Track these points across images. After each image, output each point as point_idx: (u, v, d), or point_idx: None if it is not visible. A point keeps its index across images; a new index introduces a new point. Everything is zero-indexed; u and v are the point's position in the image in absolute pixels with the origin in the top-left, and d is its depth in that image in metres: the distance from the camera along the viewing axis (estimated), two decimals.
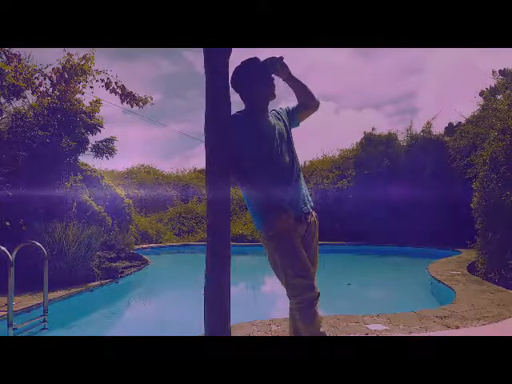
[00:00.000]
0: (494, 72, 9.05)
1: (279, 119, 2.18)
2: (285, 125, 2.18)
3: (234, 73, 2.06)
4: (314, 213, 2.19)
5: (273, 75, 2.11)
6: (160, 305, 5.76)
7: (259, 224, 2.09)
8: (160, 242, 12.00)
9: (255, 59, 2.09)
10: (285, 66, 2.09)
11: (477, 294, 4.49)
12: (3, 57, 5.45)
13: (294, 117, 2.24)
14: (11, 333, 3.35)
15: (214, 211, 1.87)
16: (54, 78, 5.73)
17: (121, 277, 6.29)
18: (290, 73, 2.12)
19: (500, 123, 5.52)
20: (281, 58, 2.07)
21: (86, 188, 6.96)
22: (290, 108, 2.25)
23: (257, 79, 2.06)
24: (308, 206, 2.13)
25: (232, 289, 1.87)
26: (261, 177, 2.02)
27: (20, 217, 5.61)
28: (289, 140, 2.16)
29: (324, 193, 12.19)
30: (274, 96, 2.13)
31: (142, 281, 7.10)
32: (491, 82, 9.27)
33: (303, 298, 2.00)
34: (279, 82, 2.12)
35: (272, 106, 2.20)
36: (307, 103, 2.21)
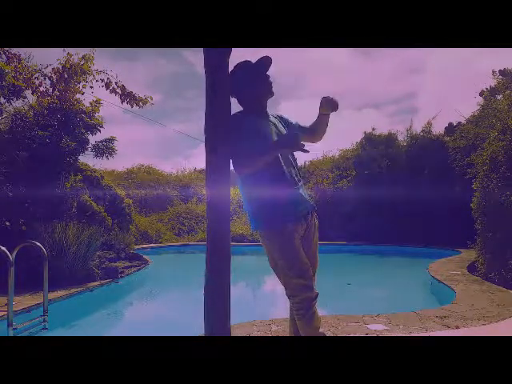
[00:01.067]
0: (493, 72, 9.07)
1: (283, 125, 2.21)
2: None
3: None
4: (314, 213, 2.19)
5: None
6: (160, 305, 5.76)
7: (258, 224, 2.09)
8: (160, 242, 12.00)
9: (246, 62, 2.10)
10: (335, 109, 2.16)
11: (477, 293, 4.49)
12: (3, 57, 5.44)
13: None
14: (11, 333, 3.35)
15: (214, 211, 1.87)
16: (54, 78, 5.73)
17: (121, 277, 6.29)
18: (328, 116, 2.24)
19: (500, 123, 5.52)
20: (336, 105, 2.13)
21: (86, 188, 6.96)
22: (300, 126, 2.31)
23: (252, 82, 2.07)
24: (308, 206, 2.13)
25: (232, 289, 1.87)
26: (261, 177, 2.02)
27: (20, 217, 5.61)
28: None
29: (324, 193, 12.19)
30: (272, 93, 2.13)
31: (142, 281, 7.10)
32: (491, 82, 9.29)
33: (301, 298, 2.00)
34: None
35: (272, 104, 2.21)
36: (314, 137, 2.32)
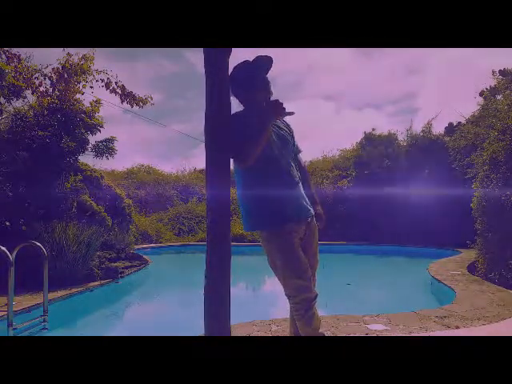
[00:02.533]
0: (493, 72, 9.04)
1: (287, 127, 2.21)
2: (290, 135, 2.22)
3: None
4: (314, 214, 2.19)
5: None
6: (160, 305, 5.76)
7: (258, 224, 2.09)
8: (160, 242, 11.99)
9: (245, 63, 2.10)
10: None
11: (477, 293, 4.49)
12: (3, 57, 5.44)
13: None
14: (11, 333, 3.35)
15: (214, 211, 1.87)
16: (54, 78, 5.72)
17: (121, 277, 6.29)
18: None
19: (500, 123, 5.52)
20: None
21: (86, 188, 6.96)
22: (298, 150, 2.34)
23: (250, 82, 2.07)
24: (308, 207, 2.14)
25: (232, 289, 1.87)
26: (261, 177, 2.02)
27: (20, 217, 5.61)
28: (290, 145, 2.18)
29: (324, 193, 12.19)
30: (271, 93, 2.14)
31: (142, 281, 7.10)
32: (491, 82, 9.27)
33: (300, 298, 2.01)
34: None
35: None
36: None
